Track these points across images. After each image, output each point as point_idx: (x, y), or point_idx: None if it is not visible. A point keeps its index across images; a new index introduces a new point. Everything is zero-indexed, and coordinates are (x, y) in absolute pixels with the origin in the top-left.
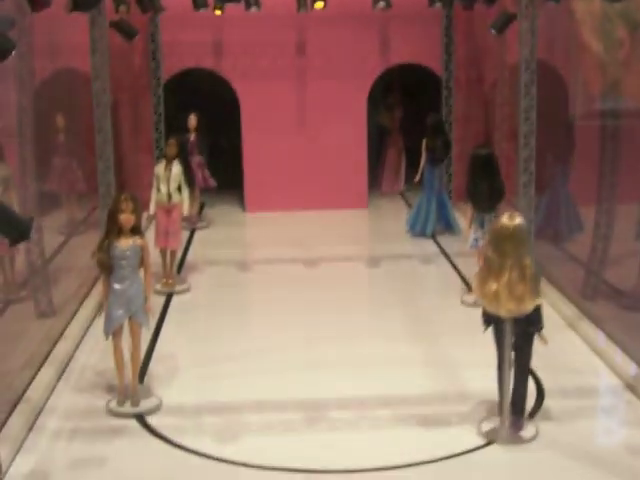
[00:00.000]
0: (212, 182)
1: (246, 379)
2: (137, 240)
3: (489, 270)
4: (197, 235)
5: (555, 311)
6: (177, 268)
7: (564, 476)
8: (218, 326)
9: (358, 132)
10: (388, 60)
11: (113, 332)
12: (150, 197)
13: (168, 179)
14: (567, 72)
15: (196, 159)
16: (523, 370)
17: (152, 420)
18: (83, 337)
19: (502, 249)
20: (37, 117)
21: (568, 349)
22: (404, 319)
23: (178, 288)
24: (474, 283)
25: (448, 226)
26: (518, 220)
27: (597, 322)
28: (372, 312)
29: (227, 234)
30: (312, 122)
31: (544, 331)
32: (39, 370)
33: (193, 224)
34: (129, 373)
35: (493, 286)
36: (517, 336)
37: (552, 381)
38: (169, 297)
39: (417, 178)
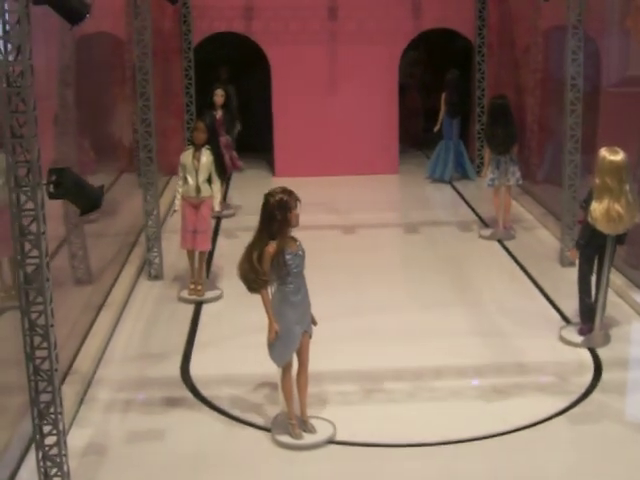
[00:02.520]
0: (240, 164)
1: None
2: (297, 240)
3: (609, 195)
4: (224, 225)
5: None
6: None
7: (628, 448)
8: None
9: (390, 97)
10: (420, 25)
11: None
12: (175, 189)
13: (197, 169)
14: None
15: (223, 139)
16: (607, 280)
17: (206, 392)
18: (125, 304)
19: (620, 177)
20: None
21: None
22: (449, 285)
23: (209, 295)
24: (594, 210)
25: (464, 172)
26: (622, 152)
27: None
28: (416, 279)
29: (256, 199)
30: (343, 87)
31: None
32: (84, 340)
33: (218, 212)
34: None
35: (618, 208)
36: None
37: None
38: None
39: (437, 128)
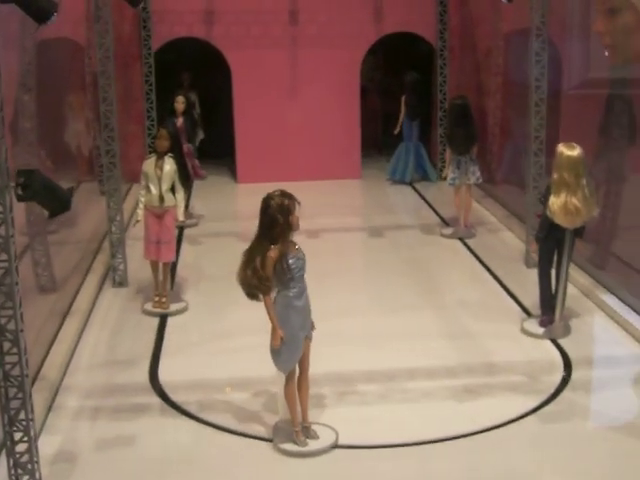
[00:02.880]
0: (203, 173)
1: (264, 354)
2: (296, 244)
3: (567, 190)
4: (187, 234)
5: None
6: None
7: (599, 445)
8: (232, 300)
9: (351, 102)
10: (382, 29)
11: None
12: (138, 199)
13: (159, 178)
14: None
15: (184, 147)
16: (566, 272)
17: (175, 397)
18: (90, 312)
19: (577, 172)
20: None
21: (587, 319)
22: (413, 287)
23: (174, 307)
24: (552, 204)
25: (425, 174)
26: (579, 147)
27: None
28: (381, 282)
29: (219, 206)
30: (305, 91)
31: None
32: (50, 347)
33: (182, 222)
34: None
35: (575, 202)
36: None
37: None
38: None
39: (397, 130)
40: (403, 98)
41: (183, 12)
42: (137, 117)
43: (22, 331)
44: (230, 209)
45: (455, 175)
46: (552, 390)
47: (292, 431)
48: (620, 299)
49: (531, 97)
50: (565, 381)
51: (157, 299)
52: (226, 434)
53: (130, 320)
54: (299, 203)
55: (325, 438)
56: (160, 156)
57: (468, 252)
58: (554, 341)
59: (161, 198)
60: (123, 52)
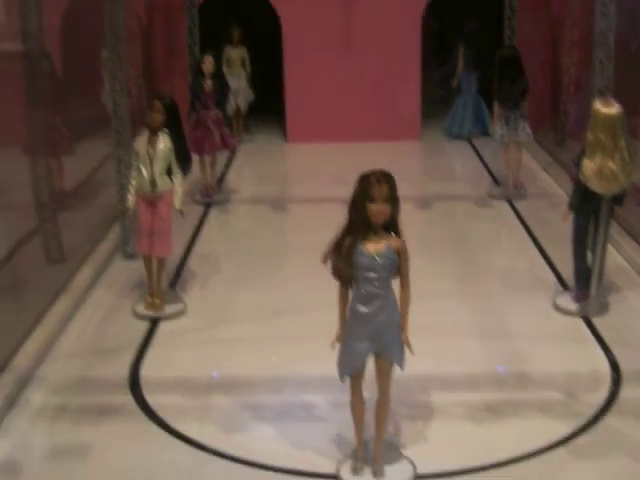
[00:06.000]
0: (233, 142)
1: (263, 349)
2: (393, 242)
3: (602, 152)
4: (213, 214)
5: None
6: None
7: None
8: (237, 280)
9: (411, 56)
10: None
11: (353, 373)
12: (128, 182)
13: (151, 158)
14: None
15: (212, 114)
16: (603, 244)
17: (150, 399)
18: (90, 290)
19: (614, 132)
20: None
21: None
22: (448, 267)
23: (168, 311)
24: (585, 168)
25: (484, 129)
26: (617, 104)
27: None
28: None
29: (264, 167)
30: (360, 46)
31: None
32: (32, 329)
33: (209, 197)
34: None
35: (611, 166)
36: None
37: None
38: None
39: (455, 83)
40: (461, 49)
41: None
42: (181, 73)
43: None
44: (275, 173)
45: (503, 132)
46: (592, 413)
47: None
48: None
49: (595, 54)
50: (610, 400)
51: (150, 300)
52: (200, 450)
53: (133, 295)
54: (397, 192)
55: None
56: (153, 132)
57: (514, 215)
58: (601, 342)
59: (153, 182)
60: (167, 5)
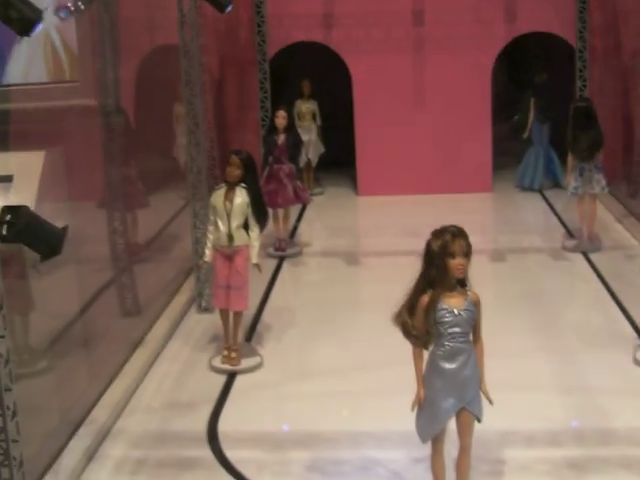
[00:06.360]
0: (306, 196)
1: (340, 403)
2: (470, 295)
3: None
4: (285, 266)
5: None
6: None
7: None
8: (312, 334)
9: (482, 108)
10: (515, 28)
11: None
12: (206, 236)
13: (229, 213)
14: None
15: (285, 168)
16: None
17: (229, 453)
18: (167, 342)
19: None
20: None
21: None
22: (524, 322)
23: (244, 365)
24: None
25: (555, 180)
26: None
27: None
28: (490, 317)
29: (336, 220)
30: (431, 97)
31: None
32: (110, 382)
33: (282, 250)
34: None
35: None
36: None
37: None
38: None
39: (526, 134)
40: (532, 100)
41: (300, 15)
42: (253, 126)
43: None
44: (346, 226)
45: (577, 184)
46: None
47: None
48: None
49: None
50: None
51: (226, 353)
52: None
53: (210, 348)
54: (470, 245)
55: None
56: (231, 187)
57: (589, 268)
58: None
59: (230, 236)
60: (239, 58)
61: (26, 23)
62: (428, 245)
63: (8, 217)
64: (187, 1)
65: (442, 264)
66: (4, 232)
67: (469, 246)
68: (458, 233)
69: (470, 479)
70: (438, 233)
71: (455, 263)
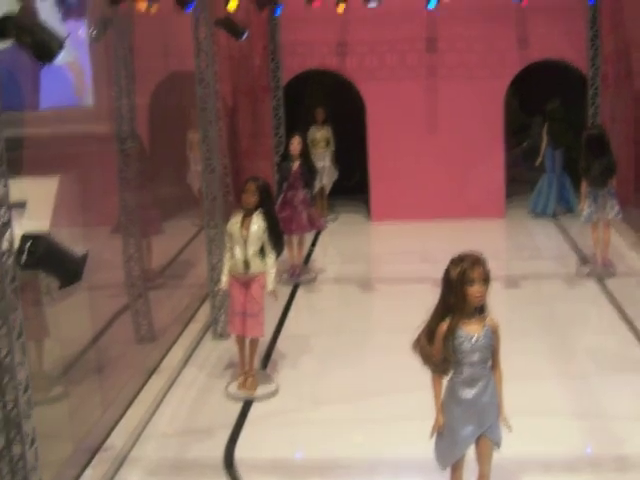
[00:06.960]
0: (321, 223)
1: (356, 430)
2: (488, 321)
3: None
4: (300, 293)
5: None
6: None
7: None
8: (327, 361)
9: (494, 135)
10: (527, 56)
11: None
12: (223, 263)
13: (245, 240)
14: None
15: (300, 194)
16: None
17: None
18: (182, 369)
19: None
20: None
21: None
22: (539, 348)
23: (260, 392)
24: None
25: (568, 207)
26: None
27: None
28: (514, 345)
29: (350, 246)
30: (444, 125)
31: None
32: (126, 409)
33: (297, 276)
34: None
35: None
36: None
37: None
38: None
39: (538, 161)
40: (545, 126)
41: (314, 43)
42: (266, 153)
43: (29, 417)
44: (360, 252)
45: (591, 210)
46: None
47: None
48: None
49: None
50: None
51: (242, 380)
52: None
53: (226, 374)
54: (489, 271)
55: None
56: (247, 213)
57: (603, 294)
58: None
59: (246, 263)
60: (253, 86)
61: (48, 50)
62: (447, 272)
63: (28, 245)
64: (203, 29)
65: (461, 291)
66: (24, 260)
67: (488, 273)
68: (477, 260)
69: None
70: (457, 260)
71: (474, 290)
